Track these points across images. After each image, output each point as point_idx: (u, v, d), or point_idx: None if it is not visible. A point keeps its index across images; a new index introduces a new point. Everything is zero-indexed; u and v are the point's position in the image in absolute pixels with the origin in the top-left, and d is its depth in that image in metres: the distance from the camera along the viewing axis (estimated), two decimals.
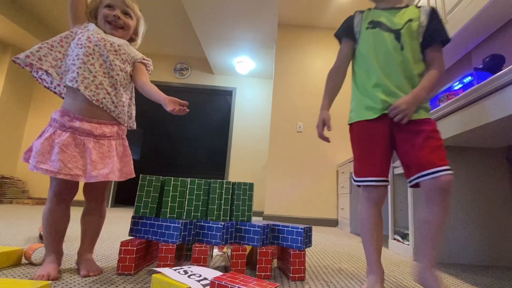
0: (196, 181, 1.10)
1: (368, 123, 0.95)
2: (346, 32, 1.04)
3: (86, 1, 1.03)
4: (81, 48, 0.95)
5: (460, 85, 1.70)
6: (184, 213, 1.08)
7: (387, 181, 0.94)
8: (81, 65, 0.94)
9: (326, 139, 1.03)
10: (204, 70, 4.85)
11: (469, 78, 1.63)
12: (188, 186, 1.10)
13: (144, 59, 1.09)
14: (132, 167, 1.02)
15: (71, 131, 0.91)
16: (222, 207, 1.10)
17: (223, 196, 1.11)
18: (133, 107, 1.09)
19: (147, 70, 1.09)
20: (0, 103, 4.00)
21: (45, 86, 1.01)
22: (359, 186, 0.97)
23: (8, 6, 3.56)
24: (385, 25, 0.96)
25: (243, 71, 4.58)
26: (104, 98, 0.96)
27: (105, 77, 0.97)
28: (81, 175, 0.89)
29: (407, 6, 1.01)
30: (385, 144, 0.94)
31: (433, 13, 0.96)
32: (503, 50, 1.70)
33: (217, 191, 1.10)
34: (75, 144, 0.90)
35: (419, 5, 0.99)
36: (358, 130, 0.98)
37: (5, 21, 3.58)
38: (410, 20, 0.95)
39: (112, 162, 0.94)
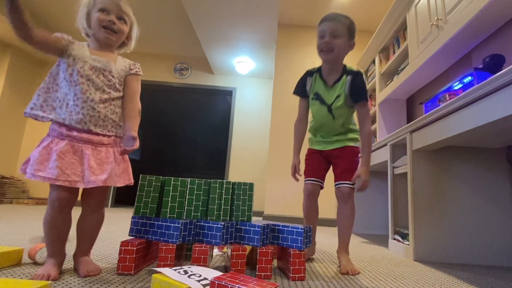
0: (196, 181, 1.10)
1: (314, 150, 1.40)
2: (301, 93, 1.38)
3: (51, 36, 0.93)
4: (76, 85, 0.93)
5: (460, 85, 1.70)
6: (184, 213, 1.08)
7: (319, 181, 1.37)
8: (83, 104, 0.93)
9: (296, 180, 1.37)
10: (204, 70, 4.85)
11: (469, 78, 1.63)
12: (188, 186, 1.10)
13: (131, 68, 1.06)
14: (131, 173, 1.03)
15: (69, 139, 0.92)
16: (222, 207, 1.10)
17: (223, 196, 1.11)
18: None
19: (137, 74, 1.07)
20: (0, 103, 4.01)
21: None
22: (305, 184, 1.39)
23: None
24: (322, 99, 1.31)
25: (243, 71, 4.58)
26: (112, 126, 0.99)
27: (105, 107, 0.97)
28: (79, 181, 0.89)
29: (342, 74, 1.27)
30: (322, 162, 1.37)
31: (353, 80, 1.25)
32: (503, 50, 1.70)
33: (217, 191, 1.10)
34: (73, 152, 0.91)
35: (351, 69, 1.29)
36: (309, 152, 1.42)
37: (5, 21, 3.58)
38: (338, 96, 1.27)
39: (110, 168, 0.94)
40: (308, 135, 1.46)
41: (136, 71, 1.08)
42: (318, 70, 1.34)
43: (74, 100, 0.93)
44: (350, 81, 1.24)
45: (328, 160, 1.39)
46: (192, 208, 1.08)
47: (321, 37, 1.24)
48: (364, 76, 1.27)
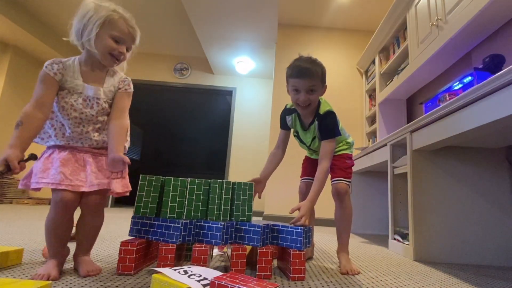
0: (196, 181, 1.10)
1: (308, 156, 1.53)
2: (283, 126, 1.42)
3: (47, 99, 0.92)
4: (69, 119, 0.94)
5: (460, 85, 1.70)
6: (184, 213, 1.08)
7: (313, 179, 1.32)
8: (80, 136, 0.96)
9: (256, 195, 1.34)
10: (204, 70, 4.85)
11: (469, 78, 1.63)
12: (188, 186, 1.10)
13: (119, 87, 1.03)
14: (128, 181, 1.03)
15: (70, 150, 0.95)
16: (222, 207, 1.10)
17: (223, 196, 1.11)
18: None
19: (126, 90, 1.04)
20: (0, 103, 4.00)
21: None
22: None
23: (8, 6, 3.56)
24: (301, 139, 1.40)
25: (243, 71, 4.58)
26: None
27: (100, 134, 0.99)
28: (82, 185, 0.91)
29: (315, 118, 1.28)
30: (316, 164, 1.30)
31: (320, 124, 1.27)
32: (503, 50, 1.70)
33: (217, 191, 1.10)
34: (75, 160, 0.94)
35: (322, 111, 1.26)
36: (305, 158, 1.55)
37: (5, 21, 3.58)
38: (313, 138, 1.33)
39: (110, 174, 0.97)
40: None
41: (126, 89, 1.05)
42: (296, 111, 1.34)
43: (70, 133, 0.95)
44: (318, 125, 1.28)
45: None
46: (192, 208, 1.08)
47: (295, 91, 1.23)
48: (333, 115, 1.26)
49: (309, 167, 1.48)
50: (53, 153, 0.93)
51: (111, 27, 0.95)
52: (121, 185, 0.99)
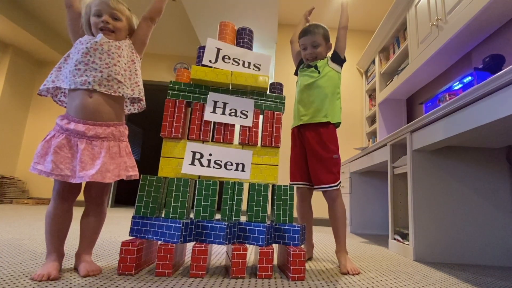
0: (205, 182, 1.10)
1: (294, 135, 1.51)
2: (295, 72, 1.66)
3: (81, 18, 1.05)
4: (77, 53, 0.98)
5: (460, 85, 1.71)
6: (194, 214, 1.08)
7: (307, 184, 1.45)
8: (85, 67, 0.96)
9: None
10: None
11: (469, 78, 1.63)
12: (197, 186, 1.10)
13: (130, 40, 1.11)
14: (128, 168, 0.99)
15: (66, 134, 0.94)
16: (234, 207, 1.10)
17: (235, 197, 1.11)
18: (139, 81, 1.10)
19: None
20: (0, 103, 4.01)
21: (65, 107, 1.04)
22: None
23: (8, 6, 3.56)
24: (309, 67, 1.48)
25: None
26: (119, 87, 1.00)
27: (108, 67, 0.98)
28: (71, 175, 0.90)
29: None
30: (303, 163, 1.44)
31: (332, 54, 1.47)
32: (503, 50, 1.70)
33: (229, 192, 1.11)
34: (69, 146, 0.93)
35: None
36: (292, 145, 1.54)
37: (5, 21, 3.58)
38: (315, 66, 1.46)
39: (100, 163, 0.92)
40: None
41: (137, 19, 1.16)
42: (309, 66, 1.51)
43: (77, 65, 0.97)
44: (332, 55, 1.47)
45: (306, 154, 1.43)
46: (201, 208, 1.08)
47: (304, 49, 1.48)
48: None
49: (300, 167, 1.45)
50: (53, 137, 0.93)
51: (91, 8, 1.04)
52: (112, 175, 0.94)
